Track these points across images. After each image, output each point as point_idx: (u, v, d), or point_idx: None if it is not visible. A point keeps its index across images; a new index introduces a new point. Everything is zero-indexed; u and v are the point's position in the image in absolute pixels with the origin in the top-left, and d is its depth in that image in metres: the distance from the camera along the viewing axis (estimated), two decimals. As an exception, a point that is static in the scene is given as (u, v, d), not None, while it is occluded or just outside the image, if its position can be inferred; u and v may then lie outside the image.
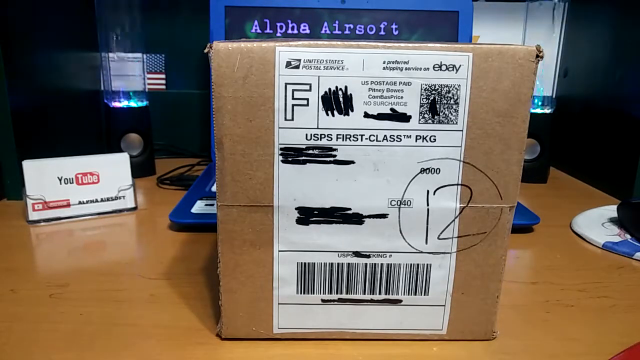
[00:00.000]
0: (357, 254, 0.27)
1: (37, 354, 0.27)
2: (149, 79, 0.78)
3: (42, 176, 0.47)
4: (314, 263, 0.27)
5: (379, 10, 0.65)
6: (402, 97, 0.25)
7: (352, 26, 0.65)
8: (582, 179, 0.67)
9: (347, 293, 0.27)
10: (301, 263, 0.27)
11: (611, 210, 0.51)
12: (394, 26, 0.65)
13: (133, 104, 0.64)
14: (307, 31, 0.65)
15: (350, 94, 0.24)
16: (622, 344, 0.29)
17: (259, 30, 0.65)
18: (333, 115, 0.25)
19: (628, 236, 0.45)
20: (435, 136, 0.25)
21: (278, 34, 0.65)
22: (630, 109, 0.58)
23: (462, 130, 0.25)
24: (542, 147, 0.64)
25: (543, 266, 0.39)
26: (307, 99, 0.24)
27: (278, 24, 0.65)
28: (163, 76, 0.79)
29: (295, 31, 0.65)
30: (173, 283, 0.35)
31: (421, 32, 0.65)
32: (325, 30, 0.65)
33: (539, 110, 0.64)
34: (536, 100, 0.64)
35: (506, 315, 0.32)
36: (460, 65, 0.24)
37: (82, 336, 0.29)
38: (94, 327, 0.30)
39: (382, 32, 0.65)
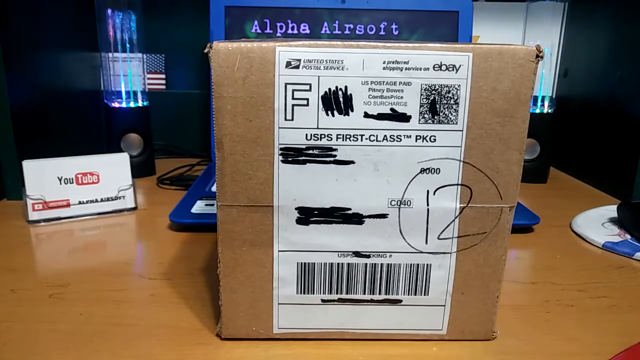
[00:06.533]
0: (357, 254, 0.27)
1: (37, 354, 0.27)
2: (149, 79, 0.78)
3: (42, 176, 0.47)
4: (314, 263, 0.27)
5: (379, 10, 0.65)
6: (402, 97, 0.25)
7: (352, 26, 0.65)
8: (582, 179, 0.67)
9: (347, 293, 0.27)
10: (301, 263, 0.27)
11: (611, 210, 0.51)
12: (394, 26, 0.65)
13: (133, 104, 0.64)
14: (307, 31, 0.65)
15: (350, 94, 0.24)
16: (622, 344, 0.29)
17: (259, 30, 0.65)
18: (333, 115, 0.25)
19: (628, 236, 0.45)
20: (435, 136, 0.25)
21: (278, 34, 0.65)
22: (630, 109, 0.58)
23: (462, 130, 0.25)
24: (542, 147, 0.64)
25: (543, 266, 0.39)
26: (307, 99, 0.24)
27: (278, 24, 0.65)
28: (163, 76, 0.79)
29: (295, 31, 0.65)
30: (173, 283, 0.35)
31: (421, 32, 0.65)
32: (325, 30, 0.65)
33: (538, 110, 0.64)
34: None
35: (506, 315, 0.32)
36: (460, 65, 0.24)
37: (82, 336, 0.29)
38: (94, 327, 0.30)
39: (382, 32, 0.65)
